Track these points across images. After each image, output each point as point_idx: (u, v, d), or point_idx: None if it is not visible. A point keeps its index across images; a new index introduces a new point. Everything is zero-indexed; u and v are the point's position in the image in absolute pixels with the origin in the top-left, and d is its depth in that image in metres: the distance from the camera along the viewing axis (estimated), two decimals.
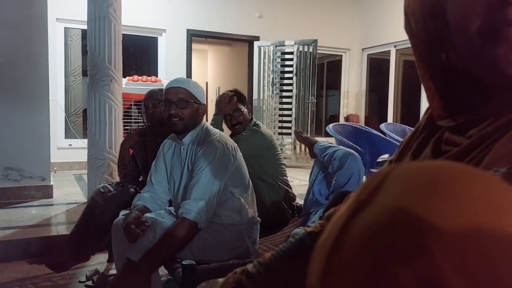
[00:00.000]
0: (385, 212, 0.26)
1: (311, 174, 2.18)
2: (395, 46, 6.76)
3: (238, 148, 1.76)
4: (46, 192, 3.68)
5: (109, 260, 2.44)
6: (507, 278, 0.23)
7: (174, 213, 1.71)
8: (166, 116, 1.67)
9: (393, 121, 6.64)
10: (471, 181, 0.26)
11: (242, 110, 2.38)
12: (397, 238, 0.24)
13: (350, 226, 0.27)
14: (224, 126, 2.41)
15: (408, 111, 6.84)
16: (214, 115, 2.41)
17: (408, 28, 0.52)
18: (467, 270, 0.23)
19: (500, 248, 0.23)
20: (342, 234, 0.27)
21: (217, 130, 1.78)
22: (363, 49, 7.37)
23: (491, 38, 0.40)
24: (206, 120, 1.86)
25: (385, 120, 6.65)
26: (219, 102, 2.40)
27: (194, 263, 1.43)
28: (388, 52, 6.90)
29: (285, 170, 2.46)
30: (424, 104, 5.19)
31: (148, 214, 1.66)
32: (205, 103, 1.77)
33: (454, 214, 0.24)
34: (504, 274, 0.23)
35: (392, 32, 6.63)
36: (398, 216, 0.25)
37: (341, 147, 2.14)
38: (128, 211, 1.72)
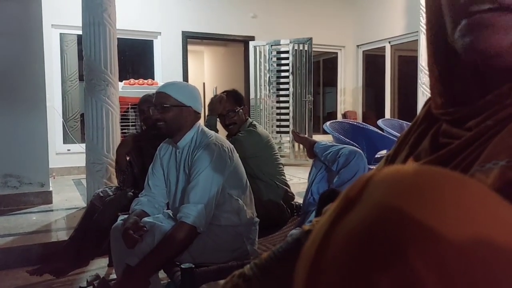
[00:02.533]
0: (366, 218, 0.26)
1: (310, 173, 2.19)
2: (389, 42, 6.77)
3: (234, 150, 1.77)
4: (45, 198, 3.68)
5: (110, 265, 2.45)
6: (484, 282, 0.23)
7: (172, 217, 1.72)
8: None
9: (390, 117, 6.65)
10: (452, 185, 0.26)
11: (236, 110, 2.38)
12: (377, 244, 0.24)
13: (333, 233, 0.27)
14: (220, 127, 2.41)
15: (405, 106, 6.85)
16: (207, 115, 2.42)
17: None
18: (446, 275, 0.23)
19: (479, 253, 0.23)
20: (325, 240, 0.27)
21: (213, 133, 1.78)
22: (358, 45, 7.38)
23: (461, 28, 0.41)
24: (204, 121, 1.87)
25: (383, 115, 6.66)
26: (211, 102, 2.41)
27: (193, 266, 1.44)
28: (383, 48, 6.91)
29: (283, 170, 2.47)
30: (421, 99, 5.19)
31: (146, 219, 1.66)
32: (198, 105, 1.76)
33: (434, 219, 0.24)
34: (481, 279, 0.23)
35: (386, 28, 6.64)
36: (379, 222, 0.25)
37: (345, 145, 2.15)
38: (126, 215, 1.73)
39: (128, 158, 2.45)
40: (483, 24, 0.40)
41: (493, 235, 0.24)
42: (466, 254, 0.23)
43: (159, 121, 1.70)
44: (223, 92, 2.50)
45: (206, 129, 1.80)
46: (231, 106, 2.38)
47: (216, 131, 2.26)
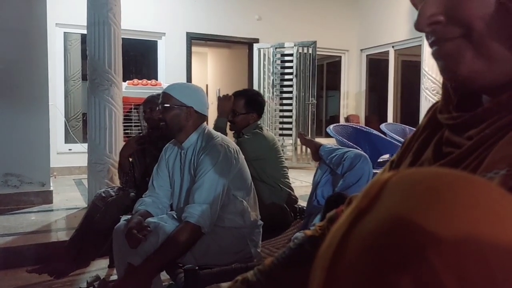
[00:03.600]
0: (385, 220, 0.26)
1: (314, 176, 2.17)
2: (393, 47, 6.76)
3: (240, 151, 1.75)
4: (46, 197, 3.66)
5: (110, 266, 2.43)
6: (504, 286, 0.23)
7: (176, 217, 1.70)
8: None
9: (393, 121, 6.64)
10: (469, 188, 0.26)
11: (237, 113, 2.34)
12: (397, 246, 0.24)
13: (350, 235, 0.27)
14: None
15: (407, 111, 6.83)
16: (217, 117, 2.35)
17: None
18: (465, 276, 0.23)
19: (497, 255, 0.23)
20: (343, 242, 0.27)
21: (219, 134, 1.77)
22: (361, 50, 7.37)
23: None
24: (207, 123, 1.85)
25: (385, 120, 6.65)
26: (219, 104, 2.36)
27: (196, 267, 1.42)
28: (387, 53, 6.90)
29: (287, 173, 2.45)
30: (423, 104, 5.17)
31: (150, 219, 1.65)
32: (202, 106, 1.74)
33: (452, 221, 0.24)
34: (501, 281, 0.23)
35: (390, 33, 6.63)
36: (398, 224, 0.25)
37: (350, 149, 2.13)
38: (129, 216, 1.71)
39: (130, 160, 2.42)
40: (437, 56, 0.44)
41: (510, 236, 0.24)
42: (485, 256, 0.23)
43: (161, 121, 1.71)
44: (243, 90, 2.48)
45: (212, 130, 1.79)
46: (237, 106, 2.35)
47: (225, 133, 2.23)
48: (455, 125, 0.46)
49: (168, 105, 1.68)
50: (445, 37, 0.42)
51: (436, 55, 0.44)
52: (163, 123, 1.70)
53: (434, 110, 0.54)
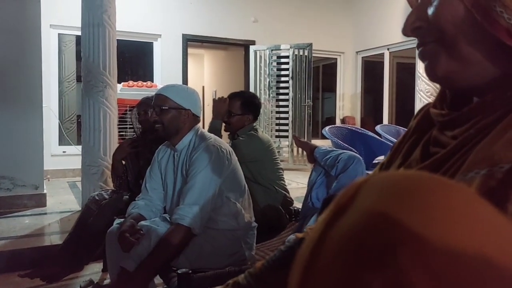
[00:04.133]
0: (358, 219, 0.26)
1: (309, 178, 2.17)
2: (388, 49, 6.79)
3: (233, 152, 1.74)
4: (39, 200, 3.62)
5: (104, 270, 2.40)
6: (471, 286, 0.23)
7: (169, 220, 1.68)
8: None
9: (388, 123, 6.66)
10: (443, 191, 0.27)
11: (233, 114, 2.33)
12: (368, 246, 0.25)
13: (326, 235, 0.27)
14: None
15: (402, 113, 6.87)
16: (212, 119, 2.35)
17: None
18: (436, 277, 0.23)
19: (467, 257, 0.24)
20: (319, 243, 0.28)
21: (212, 135, 1.76)
22: (357, 52, 7.40)
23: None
24: (203, 124, 1.84)
25: (381, 121, 6.67)
26: (215, 105, 2.36)
27: (190, 271, 1.40)
28: (382, 55, 6.93)
29: (283, 175, 2.44)
30: (418, 105, 5.19)
31: (143, 222, 1.64)
32: (197, 108, 1.73)
33: (425, 221, 0.25)
34: (468, 282, 0.23)
35: (385, 35, 6.66)
36: (370, 221, 0.26)
37: (345, 150, 2.14)
38: (122, 219, 1.69)
39: (124, 163, 2.40)
40: (420, 57, 0.48)
41: (482, 240, 0.24)
42: (454, 258, 0.24)
43: (157, 123, 1.68)
44: (239, 92, 2.46)
45: (205, 131, 1.78)
46: (232, 107, 2.34)
47: (220, 135, 2.21)
48: (442, 123, 0.48)
49: (166, 107, 1.66)
50: (424, 40, 0.47)
51: (419, 57, 0.49)
52: (159, 125, 1.68)
53: (424, 112, 0.55)
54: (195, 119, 1.73)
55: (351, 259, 0.25)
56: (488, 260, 0.24)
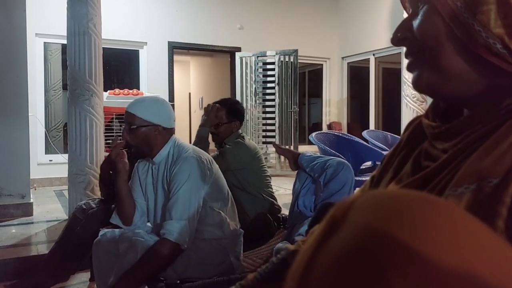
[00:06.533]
0: (349, 240, 0.26)
1: (294, 186, 2.17)
2: (373, 54, 6.88)
3: (213, 161, 1.74)
4: (26, 210, 3.58)
5: (91, 279, 2.38)
6: None
7: (153, 232, 1.68)
8: None
9: (374, 128, 6.72)
10: (431, 209, 0.27)
11: (220, 123, 2.35)
12: (358, 266, 0.25)
13: (318, 253, 0.28)
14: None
15: (389, 118, 6.94)
16: (199, 126, 2.33)
17: None
18: None
19: (458, 275, 0.24)
20: (311, 260, 0.28)
21: (190, 145, 1.75)
22: (343, 57, 7.47)
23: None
24: (190, 132, 1.84)
25: (367, 127, 6.72)
26: (206, 113, 2.33)
27: (178, 281, 1.42)
28: (368, 60, 7.01)
29: (270, 182, 2.46)
30: (404, 111, 5.26)
31: (127, 233, 1.63)
32: (169, 120, 1.68)
33: (414, 241, 0.25)
34: None
35: (371, 41, 6.75)
36: (360, 244, 0.26)
37: (331, 157, 2.14)
38: (109, 230, 1.69)
39: (111, 173, 2.39)
40: (407, 68, 0.50)
41: (471, 259, 0.24)
42: (444, 277, 0.23)
43: (128, 147, 1.65)
44: (222, 100, 2.45)
45: (182, 142, 1.74)
46: (218, 118, 2.35)
47: (207, 143, 2.21)
48: (433, 135, 0.48)
49: (134, 126, 1.62)
50: (410, 51, 0.48)
51: (407, 68, 0.50)
52: (131, 147, 1.65)
53: (415, 124, 0.55)
54: (168, 131, 1.68)
55: (341, 278, 0.25)
56: (478, 278, 0.24)
